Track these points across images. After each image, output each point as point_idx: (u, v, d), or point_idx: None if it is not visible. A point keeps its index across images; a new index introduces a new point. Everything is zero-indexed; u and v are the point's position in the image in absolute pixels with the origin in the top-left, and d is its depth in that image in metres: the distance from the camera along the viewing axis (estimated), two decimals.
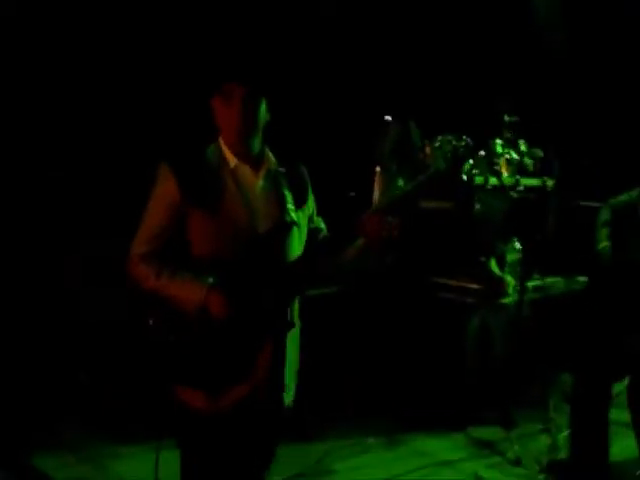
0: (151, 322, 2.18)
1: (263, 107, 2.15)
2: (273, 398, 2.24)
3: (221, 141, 2.18)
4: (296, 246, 2.25)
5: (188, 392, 2.14)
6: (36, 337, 4.09)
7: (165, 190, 2.13)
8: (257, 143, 2.18)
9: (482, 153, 4.24)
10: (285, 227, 2.19)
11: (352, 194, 4.27)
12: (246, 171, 2.19)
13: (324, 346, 3.75)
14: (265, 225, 2.15)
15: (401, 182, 4.25)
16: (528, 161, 4.54)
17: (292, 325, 2.25)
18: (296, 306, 2.32)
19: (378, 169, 4.35)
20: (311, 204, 2.33)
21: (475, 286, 3.98)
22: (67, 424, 3.87)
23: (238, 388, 2.14)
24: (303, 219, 2.28)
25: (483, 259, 3.99)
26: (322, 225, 2.41)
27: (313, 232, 2.36)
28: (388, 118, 4.71)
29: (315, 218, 2.39)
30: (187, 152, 2.22)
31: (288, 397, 2.29)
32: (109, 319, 4.01)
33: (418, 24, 5.18)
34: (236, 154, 2.17)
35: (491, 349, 4.02)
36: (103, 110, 4.21)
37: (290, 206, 2.22)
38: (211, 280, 2.11)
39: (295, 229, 2.21)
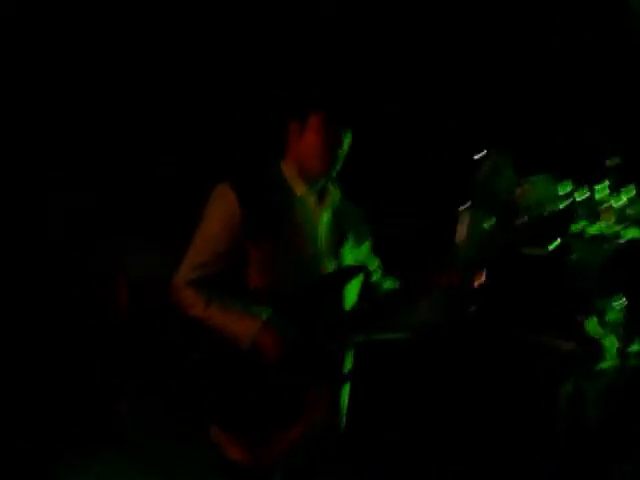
0: (194, 356, 1.98)
1: (348, 139, 2.03)
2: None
3: (285, 165, 2.03)
4: (355, 290, 2.09)
5: (226, 438, 1.93)
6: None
7: (223, 211, 1.92)
8: (333, 174, 2.05)
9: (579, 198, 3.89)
10: (353, 270, 2.06)
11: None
12: (312, 202, 1.99)
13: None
14: (328, 263, 2.01)
15: (490, 223, 3.89)
16: (632, 211, 4.10)
17: (348, 378, 2.04)
18: (350, 358, 2.09)
19: (463, 207, 4.00)
20: (367, 246, 2.22)
21: (571, 347, 3.55)
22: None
23: (281, 440, 1.92)
24: (362, 259, 2.17)
25: (580, 317, 3.56)
26: (374, 264, 2.23)
27: (366, 272, 2.17)
28: (477, 157, 4.39)
29: (370, 257, 2.22)
30: (248, 171, 2.02)
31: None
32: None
33: (516, 48, 4.82)
34: (305, 182, 1.98)
35: (584, 415, 3.56)
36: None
37: (352, 246, 2.12)
38: (266, 314, 1.88)
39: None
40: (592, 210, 3.88)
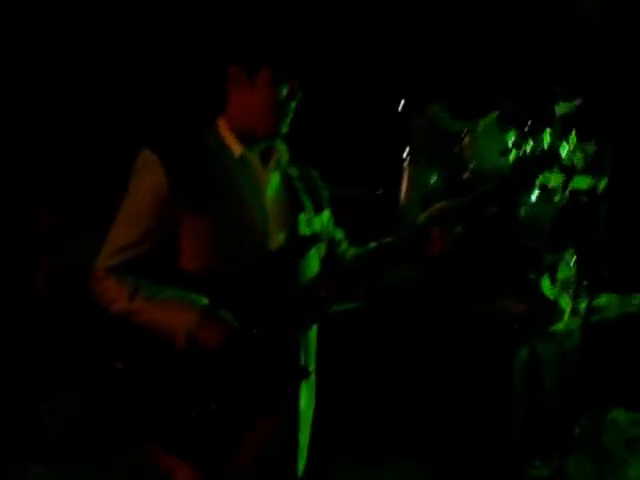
0: (118, 365, 1.62)
1: (299, 96, 1.75)
2: (281, 468, 1.70)
3: (222, 124, 1.74)
4: (314, 263, 1.78)
5: (169, 461, 1.60)
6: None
7: (149, 183, 1.60)
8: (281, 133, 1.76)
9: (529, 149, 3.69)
10: (308, 241, 1.75)
11: (379, 192, 3.64)
12: (255, 164, 1.68)
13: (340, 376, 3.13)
14: (279, 234, 1.71)
15: (434, 178, 3.64)
16: (579, 157, 3.91)
17: (307, 372, 1.70)
18: (314, 345, 1.78)
19: (406, 164, 3.73)
20: (327, 214, 1.92)
21: (523, 308, 3.33)
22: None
23: (236, 457, 1.60)
24: (321, 230, 1.86)
25: (532, 276, 3.34)
26: (339, 235, 1.93)
27: (332, 242, 1.90)
28: (402, 103, 4.12)
29: (332, 228, 1.92)
30: (176, 135, 1.69)
31: (301, 464, 1.75)
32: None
33: None
34: (242, 140, 1.71)
35: (541, 385, 3.36)
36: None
37: (311, 213, 1.82)
38: (204, 301, 1.58)
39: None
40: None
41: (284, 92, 1.69)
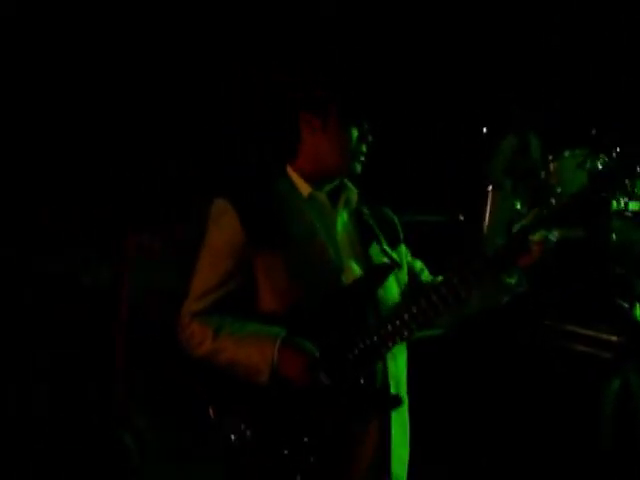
0: (211, 412, 1.64)
1: (371, 137, 1.80)
2: None
3: (290, 169, 1.80)
4: (395, 293, 1.78)
5: None
6: None
7: (226, 230, 1.68)
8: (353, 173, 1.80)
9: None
10: (385, 269, 1.74)
11: (461, 218, 3.59)
12: (324, 201, 1.72)
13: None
14: (352, 267, 1.73)
15: (518, 204, 3.56)
16: None
17: (398, 401, 1.66)
18: (403, 374, 1.77)
19: (490, 189, 3.67)
20: (404, 248, 1.94)
21: (615, 338, 3.18)
22: None
23: None
24: (401, 259, 1.88)
25: (625, 304, 3.20)
26: (419, 265, 1.93)
27: (413, 273, 1.89)
28: (485, 130, 4.07)
29: (410, 259, 1.95)
30: (249, 183, 1.78)
31: None
32: None
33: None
34: (311, 182, 1.77)
35: (635, 418, 3.19)
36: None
37: (385, 246, 1.83)
38: (284, 333, 1.58)
39: (395, 272, 1.78)
40: (633, 183, 3.54)
41: (355, 135, 1.74)
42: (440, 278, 1.86)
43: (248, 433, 1.60)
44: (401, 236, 1.93)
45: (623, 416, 3.14)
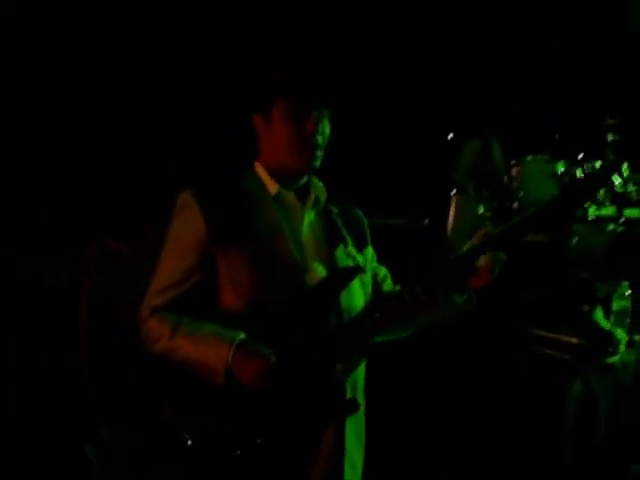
0: (167, 411, 1.62)
1: (326, 123, 1.74)
2: None
3: (258, 166, 1.77)
4: (359, 297, 1.74)
5: None
6: None
7: (189, 224, 1.65)
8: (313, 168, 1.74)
9: (579, 176, 3.61)
10: (349, 272, 1.71)
11: (425, 222, 3.60)
12: (291, 200, 1.69)
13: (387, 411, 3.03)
14: (317, 268, 1.71)
15: (482, 209, 3.58)
16: (632, 188, 3.81)
17: (355, 406, 1.63)
18: (361, 378, 1.74)
19: (453, 193, 3.69)
20: (371, 251, 1.90)
21: (576, 341, 3.22)
22: None
23: None
24: (367, 263, 1.82)
25: (586, 307, 3.23)
26: (383, 272, 1.90)
27: (376, 278, 1.86)
28: (451, 136, 4.10)
29: (376, 265, 1.91)
30: (215, 178, 1.75)
31: None
32: None
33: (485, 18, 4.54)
34: (278, 179, 1.74)
35: (596, 421, 3.23)
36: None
37: (351, 248, 1.78)
38: (242, 336, 1.56)
39: (360, 276, 1.73)
40: None
41: (308, 127, 1.68)
42: (398, 287, 1.84)
43: (201, 432, 1.57)
44: (368, 239, 1.90)
45: (585, 417, 3.18)
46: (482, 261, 1.61)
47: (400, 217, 3.68)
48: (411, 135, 4.26)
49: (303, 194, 1.76)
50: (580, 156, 3.51)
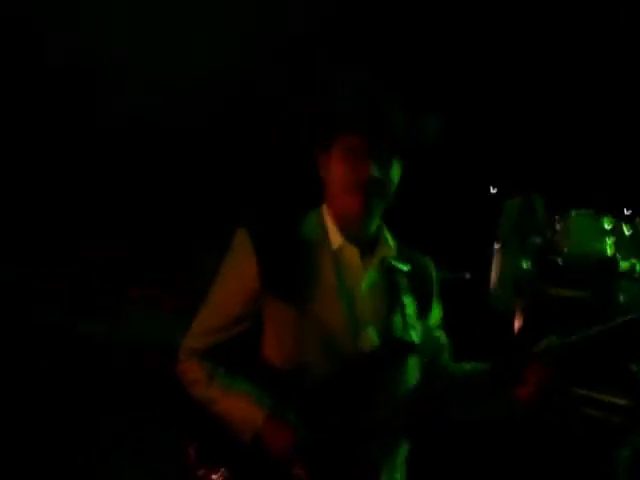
0: (191, 451, 1.57)
1: (396, 168, 1.54)
2: None
3: (325, 209, 1.59)
4: (412, 375, 1.57)
5: None
6: None
7: (241, 266, 1.54)
8: (377, 219, 1.57)
9: (628, 233, 3.55)
10: (404, 348, 1.55)
11: (467, 276, 3.56)
12: (353, 257, 1.54)
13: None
14: (370, 334, 1.53)
15: (525, 264, 3.54)
16: None
17: None
18: (400, 464, 1.60)
19: (497, 247, 3.66)
20: (437, 314, 1.68)
21: (624, 402, 3.11)
22: None
23: None
24: (424, 335, 1.62)
25: (634, 367, 3.14)
26: (443, 339, 1.69)
27: (435, 350, 1.67)
28: (493, 191, 4.08)
29: (437, 331, 1.68)
30: (273, 219, 1.62)
31: None
32: None
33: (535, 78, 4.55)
34: (342, 227, 1.55)
35: None
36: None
37: (410, 319, 1.59)
38: (269, 403, 1.49)
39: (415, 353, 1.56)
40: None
41: (363, 168, 1.49)
42: (452, 366, 1.68)
43: None
44: (434, 298, 1.68)
45: None
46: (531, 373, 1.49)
47: (442, 271, 3.64)
48: (453, 189, 4.26)
49: (371, 247, 1.58)
50: (627, 212, 3.46)
